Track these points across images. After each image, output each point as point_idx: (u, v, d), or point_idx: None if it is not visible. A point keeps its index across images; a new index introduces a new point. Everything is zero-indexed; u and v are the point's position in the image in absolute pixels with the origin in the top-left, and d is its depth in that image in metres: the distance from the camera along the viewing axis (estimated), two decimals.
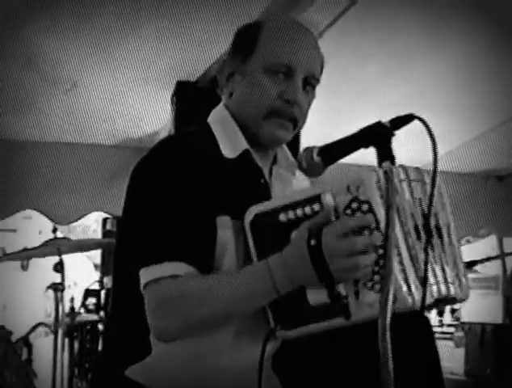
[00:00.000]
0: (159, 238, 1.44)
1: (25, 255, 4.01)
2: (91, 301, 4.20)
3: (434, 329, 4.19)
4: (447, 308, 4.29)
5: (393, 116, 1.38)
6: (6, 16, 3.10)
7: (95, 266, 5.67)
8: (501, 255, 3.76)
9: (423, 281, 1.30)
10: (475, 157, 4.53)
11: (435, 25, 3.37)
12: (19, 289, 6.10)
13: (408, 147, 2.80)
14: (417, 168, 1.43)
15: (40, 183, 3.98)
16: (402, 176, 1.38)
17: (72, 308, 4.07)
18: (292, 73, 1.55)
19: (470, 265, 2.68)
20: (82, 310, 4.15)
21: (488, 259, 2.88)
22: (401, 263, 1.31)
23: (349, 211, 1.33)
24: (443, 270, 1.40)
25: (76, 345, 3.69)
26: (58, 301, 3.61)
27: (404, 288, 1.30)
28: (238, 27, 1.67)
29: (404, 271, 1.31)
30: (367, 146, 1.37)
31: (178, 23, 3.27)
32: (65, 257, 3.79)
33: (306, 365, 1.52)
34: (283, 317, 1.42)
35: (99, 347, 3.67)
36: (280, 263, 1.36)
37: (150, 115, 3.97)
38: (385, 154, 1.32)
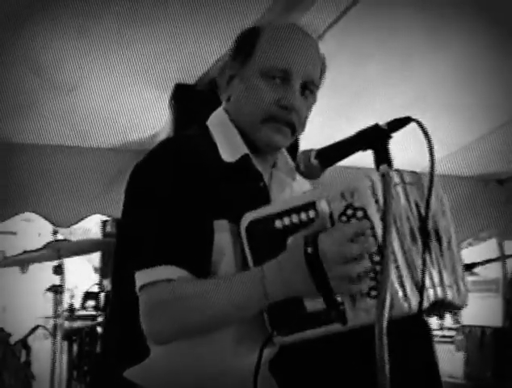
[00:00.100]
0: (155, 241, 1.44)
1: (25, 260, 4.00)
2: (90, 303, 4.20)
3: (435, 332, 4.19)
4: None
5: (394, 118, 1.38)
6: (7, 18, 3.11)
7: (95, 269, 5.66)
8: (502, 258, 3.76)
9: (420, 284, 1.30)
10: (475, 160, 4.53)
11: (435, 25, 3.37)
12: (19, 292, 6.10)
13: (408, 149, 2.80)
14: (413, 172, 1.43)
15: (40, 186, 3.98)
16: (397, 180, 1.37)
17: (71, 310, 4.06)
18: (289, 78, 1.54)
19: (470, 267, 2.68)
20: (81, 313, 4.15)
21: (488, 261, 2.87)
22: (397, 268, 1.30)
23: (344, 218, 1.33)
24: (440, 273, 1.40)
25: (75, 347, 3.69)
26: (57, 303, 3.60)
27: (401, 293, 1.29)
28: (238, 29, 1.67)
29: (400, 276, 1.30)
30: (364, 149, 1.36)
31: (177, 24, 3.27)
32: (66, 261, 3.79)
33: (303, 368, 1.51)
34: (279, 323, 1.42)
35: (98, 350, 3.67)
36: (275, 271, 1.36)
37: (150, 117, 3.98)
38: (382, 157, 1.31)
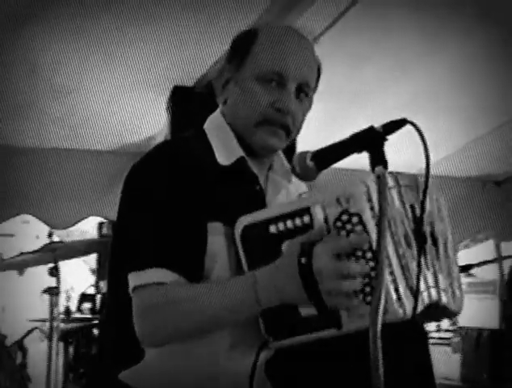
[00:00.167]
0: (149, 243, 1.45)
1: (21, 264, 3.99)
2: (87, 305, 4.19)
3: (432, 334, 4.19)
4: None
5: (389, 120, 1.38)
6: (6, 19, 3.11)
7: (92, 271, 5.66)
8: (498, 259, 3.76)
9: (415, 287, 1.30)
10: (472, 161, 4.53)
11: (431, 26, 3.37)
12: (16, 293, 6.09)
13: (404, 151, 2.80)
14: (409, 174, 1.43)
15: (37, 188, 3.98)
16: (392, 183, 1.37)
17: (67, 312, 4.06)
18: (284, 81, 1.54)
19: (466, 269, 2.68)
20: (78, 315, 4.15)
21: (485, 262, 2.87)
22: (392, 273, 1.30)
23: (339, 223, 1.33)
24: (435, 276, 1.40)
25: (71, 350, 3.68)
26: (53, 305, 3.60)
27: (395, 299, 1.29)
28: (236, 30, 1.67)
29: (394, 281, 1.30)
30: (359, 151, 1.36)
31: (175, 26, 3.27)
32: (62, 263, 3.79)
33: (298, 371, 1.51)
34: (274, 328, 1.42)
35: (94, 352, 3.66)
36: (268, 278, 1.36)
37: (147, 120, 3.98)
38: (377, 159, 1.31)
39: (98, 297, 4.32)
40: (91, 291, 4.48)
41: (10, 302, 6.17)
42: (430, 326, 4.24)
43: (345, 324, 1.33)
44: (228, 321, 1.43)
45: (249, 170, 1.58)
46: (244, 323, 1.45)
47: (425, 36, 3.45)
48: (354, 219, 1.32)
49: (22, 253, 3.92)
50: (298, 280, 1.31)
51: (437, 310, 1.42)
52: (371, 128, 1.35)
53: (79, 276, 5.65)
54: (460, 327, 3.76)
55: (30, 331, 3.75)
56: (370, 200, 1.32)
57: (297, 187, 1.68)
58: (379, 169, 1.29)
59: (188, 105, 3.54)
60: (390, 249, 1.31)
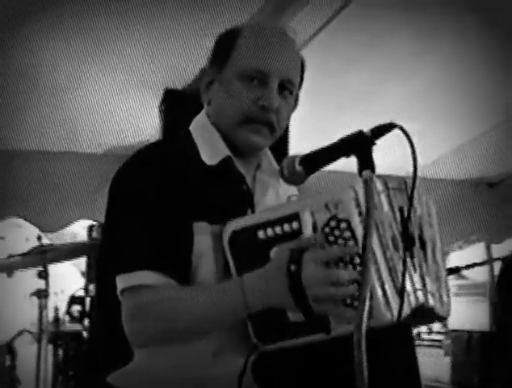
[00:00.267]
0: (136, 246, 1.45)
1: (10, 266, 3.97)
2: (76, 308, 4.18)
3: (424, 336, 4.20)
4: None
5: (378, 123, 1.38)
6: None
7: (82, 273, 5.64)
8: (489, 261, 3.76)
9: (401, 290, 1.30)
10: (465, 164, 4.55)
11: (425, 27, 3.37)
12: (5, 296, 6.08)
13: (393, 153, 2.80)
14: (398, 177, 1.42)
15: (27, 191, 3.97)
16: (380, 187, 1.37)
17: (56, 315, 4.04)
18: (267, 78, 1.54)
19: (455, 271, 2.68)
20: (67, 318, 4.13)
21: (474, 265, 2.88)
22: (379, 278, 1.30)
23: (328, 229, 1.33)
24: (423, 279, 1.40)
25: (60, 352, 3.67)
26: (42, 307, 3.59)
27: (383, 303, 1.29)
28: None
29: (382, 285, 1.30)
30: (348, 155, 1.36)
31: (168, 28, 3.26)
32: (52, 266, 3.78)
33: (286, 372, 1.51)
34: (264, 332, 1.42)
35: (83, 355, 3.65)
36: (256, 283, 1.36)
37: (138, 123, 3.97)
38: (365, 164, 1.31)
39: (88, 299, 4.30)
40: (81, 294, 4.46)
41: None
42: (422, 329, 4.24)
43: (333, 329, 1.33)
44: (215, 324, 1.43)
45: (235, 169, 1.58)
46: (231, 327, 1.45)
47: (418, 38, 3.46)
48: (343, 225, 1.32)
49: (10, 255, 3.90)
50: (286, 286, 1.31)
51: (424, 314, 1.42)
52: (359, 133, 1.35)
53: (69, 279, 5.64)
54: (452, 330, 3.76)
55: (19, 334, 3.74)
56: (358, 205, 1.32)
57: (286, 188, 1.68)
58: (366, 173, 1.29)
59: (180, 108, 3.52)
60: (378, 253, 1.31)
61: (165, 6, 3.15)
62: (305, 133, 3.44)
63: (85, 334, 3.79)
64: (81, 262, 5.34)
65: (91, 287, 4.57)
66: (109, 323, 1.52)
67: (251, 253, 1.41)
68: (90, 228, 4.89)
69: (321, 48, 3.45)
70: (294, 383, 1.49)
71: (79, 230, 5.58)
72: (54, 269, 3.85)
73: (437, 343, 4.08)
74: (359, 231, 1.30)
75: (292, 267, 1.31)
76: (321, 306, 1.31)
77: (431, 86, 3.82)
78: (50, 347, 3.72)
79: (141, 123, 3.94)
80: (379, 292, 1.29)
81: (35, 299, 3.69)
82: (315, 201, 1.35)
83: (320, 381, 1.45)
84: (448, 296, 1.48)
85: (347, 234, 1.31)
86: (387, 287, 1.30)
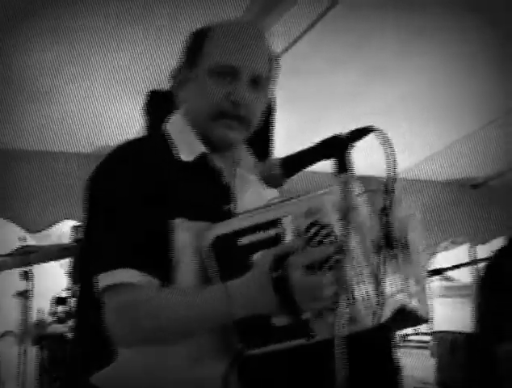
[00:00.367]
0: (114, 245, 1.45)
1: None
2: (60, 309, 4.16)
3: (411, 337, 4.20)
4: None
5: (356, 127, 1.38)
6: None
7: (68, 274, 5.61)
8: (473, 262, 3.77)
9: (380, 293, 1.30)
10: (450, 165, 4.57)
11: (412, 27, 3.38)
12: None
13: (376, 153, 2.81)
14: (378, 179, 1.42)
15: (12, 192, 3.96)
16: (359, 190, 1.37)
17: (41, 316, 4.02)
18: (237, 73, 1.56)
19: (439, 272, 2.69)
20: (51, 319, 4.11)
21: (459, 266, 2.89)
22: (361, 281, 1.30)
23: (309, 234, 1.33)
24: (404, 281, 1.39)
25: (44, 353, 3.65)
26: (26, 308, 3.57)
27: (363, 308, 1.29)
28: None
29: (363, 289, 1.30)
30: (326, 158, 1.37)
31: (155, 28, 3.26)
32: (39, 266, 3.76)
33: (270, 375, 1.51)
34: (247, 336, 1.42)
35: (67, 355, 3.63)
36: (240, 290, 1.36)
37: (125, 123, 3.96)
38: (343, 167, 1.32)
39: (72, 300, 4.28)
40: (65, 294, 4.44)
41: None
42: (408, 330, 4.25)
43: (317, 333, 1.33)
44: (197, 329, 1.43)
45: (212, 164, 1.58)
46: (213, 331, 1.45)
47: (406, 39, 3.47)
48: (324, 230, 1.32)
49: None
50: (270, 292, 1.31)
51: (405, 316, 1.42)
52: (336, 136, 1.36)
53: (55, 279, 5.61)
54: (436, 331, 3.76)
55: (2, 335, 3.71)
56: (339, 209, 1.32)
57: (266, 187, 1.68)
58: (344, 176, 1.30)
59: (164, 109, 3.51)
60: (359, 256, 1.31)
61: (150, 7, 3.15)
62: (291, 134, 3.44)
63: (69, 335, 3.76)
64: (67, 262, 5.31)
65: (76, 287, 4.54)
66: (92, 323, 1.51)
67: (234, 258, 1.41)
68: (76, 228, 4.86)
69: (308, 49, 3.46)
70: (278, 385, 1.49)
71: (65, 231, 5.55)
72: (39, 270, 3.83)
73: (423, 345, 4.09)
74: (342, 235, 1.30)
75: (275, 274, 1.30)
76: (306, 310, 1.31)
77: (418, 87, 3.83)
78: (34, 348, 3.69)
79: (128, 123, 3.94)
80: (360, 296, 1.29)
81: (20, 300, 3.67)
82: (296, 207, 1.36)
83: (303, 383, 1.45)
84: (428, 298, 1.48)
85: (329, 238, 1.31)
86: (367, 291, 1.30)
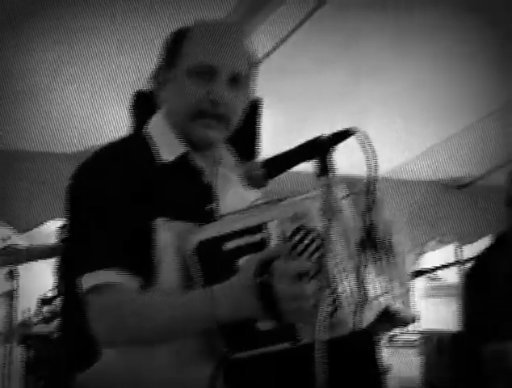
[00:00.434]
0: (96, 246, 1.45)
1: None
2: (46, 308, 4.14)
3: (398, 337, 4.22)
4: None
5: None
6: None
7: (54, 274, 5.60)
8: (460, 262, 3.79)
9: (363, 296, 1.30)
10: (435, 166, 4.59)
11: (401, 26, 3.39)
12: None
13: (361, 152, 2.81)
14: (362, 180, 1.42)
15: None
16: (343, 193, 1.37)
17: (26, 316, 4.01)
18: (216, 73, 1.56)
19: (426, 272, 2.70)
20: (37, 319, 4.10)
21: (445, 266, 2.90)
22: (344, 285, 1.30)
23: (294, 239, 1.32)
24: (388, 283, 1.39)
25: (29, 353, 3.64)
26: (11, 308, 3.56)
27: (346, 312, 1.29)
28: None
29: (346, 293, 1.30)
30: (308, 160, 1.37)
31: (143, 30, 3.26)
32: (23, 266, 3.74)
33: (255, 379, 1.51)
34: (233, 341, 1.41)
35: (53, 355, 3.62)
36: (224, 295, 1.36)
37: (112, 122, 3.95)
38: (324, 169, 1.33)
39: (58, 300, 4.27)
40: (51, 294, 4.43)
41: None
42: (396, 329, 4.26)
43: (302, 337, 1.33)
44: (183, 330, 1.43)
45: (193, 164, 1.59)
46: (200, 333, 1.44)
47: (393, 38, 3.48)
48: (310, 235, 1.31)
49: None
50: (254, 297, 1.31)
51: (390, 318, 1.42)
52: (318, 138, 1.37)
53: (42, 279, 5.59)
54: (423, 331, 3.78)
55: None
56: (323, 214, 1.31)
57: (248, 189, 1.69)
58: (326, 179, 1.31)
59: (150, 109, 3.50)
60: (344, 261, 1.31)
61: (138, 12, 3.15)
62: (278, 134, 3.44)
63: (54, 334, 3.75)
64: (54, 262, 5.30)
65: (61, 287, 4.53)
66: (76, 323, 1.50)
67: (218, 263, 1.41)
68: (61, 228, 4.85)
69: (295, 49, 3.47)
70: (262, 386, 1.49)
71: (52, 230, 5.53)
72: (26, 269, 3.82)
73: (410, 344, 4.11)
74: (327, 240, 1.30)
75: (260, 280, 1.30)
76: (291, 316, 1.31)
77: (405, 87, 3.84)
78: (20, 348, 3.68)
79: (116, 122, 3.93)
80: (344, 300, 1.29)
81: (5, 300, 3.66)
82: (282, 211, 1.36)
83: (288, 387, 1.45)
84: (411, 300, 1.48)
85: (314, 243, 1.31)
86: (351, 295, 1.30)
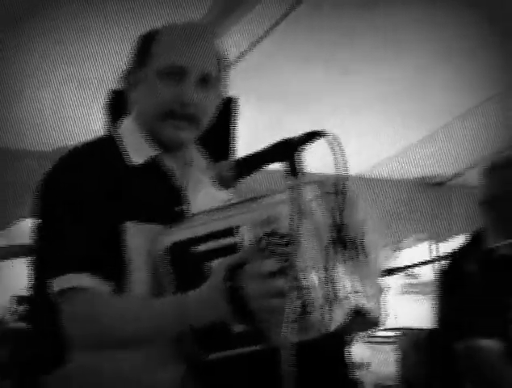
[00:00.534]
0: (66, 249, 1.45)
1: None
2: (22, 308, 4.13)
3: (375, 334, 4.24)
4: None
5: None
6: None
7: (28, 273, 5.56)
8: (435, 260, 3.82)
9: (333, 299, 1.30)
10: (413, 164, 4.62)
11: (380, 24, 3.40)
12: None
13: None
14: (333, 179, 1.42)
15: None
16: (314, 194, 1.37)
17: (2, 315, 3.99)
18: (185, 74, 1.56)
19: (402, 269, 2.71)
20: (11, 317, 4.08)
21: (422, 263, 2.92)
22: (315, 286, 1.30)
23: (266, 244, 1.33)
24: (360, 282, 1.40)
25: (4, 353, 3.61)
26: None
27: (317, 314, 1.30)
28: None
29: (316, 295, 1.30)
30: (278, 161, 1.38)
31: (124, 27, 3.25)
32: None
33: (226, 380, 1.51)
34: (205, 342, 1.42)
35: (24, 356, 3.60)
36: (197, 300, 1.36)
37: (93, 121, 3.93)
38: (293, 170, 1.34)
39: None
40: (25, 293, 4.41)
41: None
42: None
43: (274, 339, 1.32)
44: (155, 333, 1.43)
45: (162, 166, 1.59)
46: (172, 337, 1.45)
47: (372, 36, 3.49)
48: (282, 240, 1.32)
49: None
50: (225, 302, 1.32)
51: (360, 318, 1.42)
52: (287, 139, 1.38)
53: (15, 279, 5.56)
54: (400, 328, 3.80)
55: None
56: (292, 216, 1.32)
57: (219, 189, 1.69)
58: (294, 181, 1.32)
59: (125, 109, 3.50)
60: (314, 260, 1.31)
61: (117, 7, 3.14)
62: (255, 133, 3.44)
63: (27, 334, 3.73)
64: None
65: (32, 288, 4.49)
66: (45, 325, 1.51)
67: (190, 266, 1.42)
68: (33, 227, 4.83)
69: (272, 48, 3.47)
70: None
71: (26, 229, 5.49)
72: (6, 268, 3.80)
73: (388, 340, 4.12)
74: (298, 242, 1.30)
75: (229, 284, 1.31)
76: (262, 318, 1.31)
77: (381, 89, 3.86)
78: None
79: (96, 121, 3.91)
80: (313, 301, 1.30)
81: None
82: (254, 215, 1.36)
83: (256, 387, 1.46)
84: (382, 302, 1.49)
85: (286, 246, 1.31)
86: (321, 295, 1.30)
